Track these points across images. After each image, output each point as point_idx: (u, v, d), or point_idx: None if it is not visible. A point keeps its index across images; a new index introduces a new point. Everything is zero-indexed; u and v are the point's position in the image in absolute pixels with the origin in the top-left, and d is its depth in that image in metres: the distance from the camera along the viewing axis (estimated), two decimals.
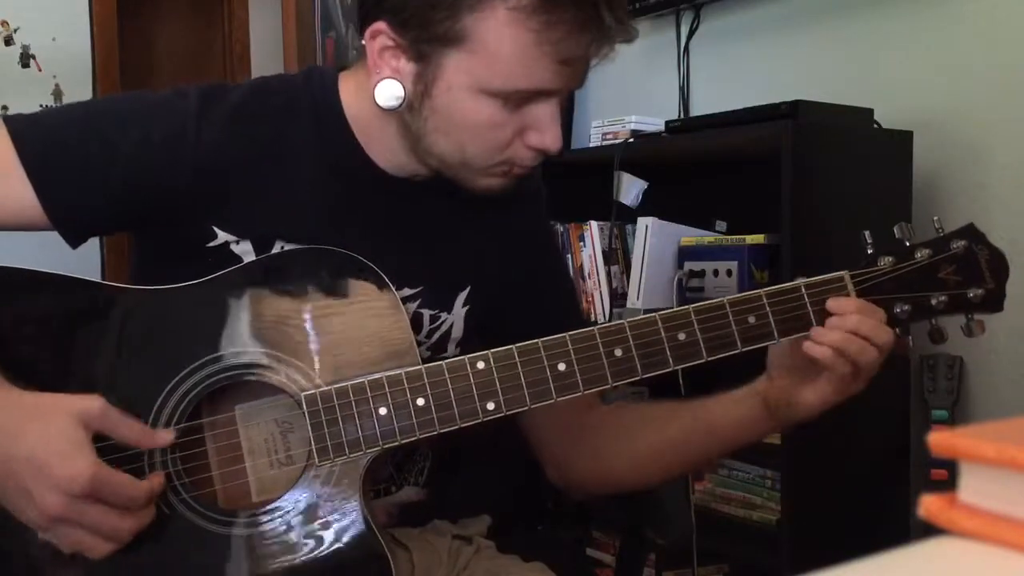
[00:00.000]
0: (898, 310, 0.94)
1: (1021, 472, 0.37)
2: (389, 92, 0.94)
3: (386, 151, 1.00)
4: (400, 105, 0.94)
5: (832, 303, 0.93)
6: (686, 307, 0.93)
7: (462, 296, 1.06)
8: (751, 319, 0.93)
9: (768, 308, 0.93)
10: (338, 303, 0.92)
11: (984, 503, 0.39)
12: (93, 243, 1.11)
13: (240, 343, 0.89)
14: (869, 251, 0.96)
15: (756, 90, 2.17)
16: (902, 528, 1.85)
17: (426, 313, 1.04)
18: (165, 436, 0.87)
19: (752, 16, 2.36)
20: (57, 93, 3.80)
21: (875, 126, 1.92)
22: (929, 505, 0.40)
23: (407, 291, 1.01)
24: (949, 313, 0.96)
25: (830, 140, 1.86)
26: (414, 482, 1.11)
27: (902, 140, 1.92)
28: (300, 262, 0.94)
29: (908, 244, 0.96)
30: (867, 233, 0.97)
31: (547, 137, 0.93)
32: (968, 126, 1.93)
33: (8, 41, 3.75)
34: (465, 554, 1.10)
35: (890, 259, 0.95)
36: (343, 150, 1.00)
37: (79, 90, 3.84)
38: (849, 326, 0.91)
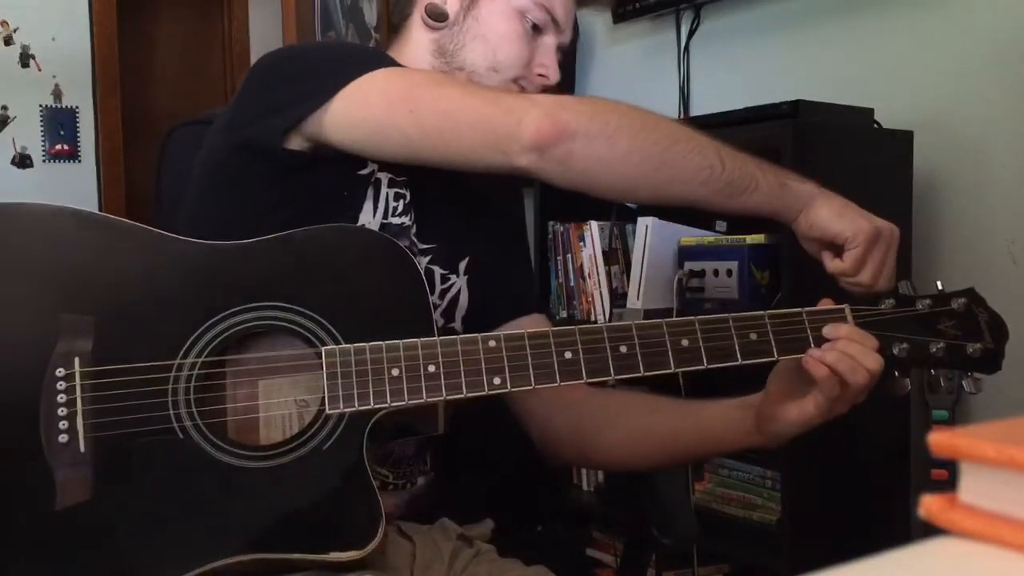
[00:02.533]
0: (897, 350, 0.98)
1: (1021, 472, 0.37)
2: (438, 10, 1.17)
3: None
4: (445, 22, 1.16)
5: (827, 328, 0.98)
6: (691, 317, 0.98)
7: (463, 264, 1.16)
8: (752, 335, 0.98)
9: (770, 328, 0.98)
10: (367, 275, 0.99)
11: (984, 503, 0.39)
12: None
13: (274, 297, 0.96)
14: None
15: (756, 90, 2.17)
16: (902, 528, 1.85)
17: (437, 271, 1.14)
18: None
19: (752, 16, 2.36)
20: (57, 93, 3.80)
21: (875, 126, 1.92)
22: (929, 505, 0.40)
23: (421, 244, 1.12)
24: (947, 365, 0.99)
25: (830, 140, 1.86)
26: (420, 470, 1.14)
27: (902, 140, 1.91)
28: (338, 235, 1.02)
29: (909, 295, 1.00)
30: None
31: (550, 68, 1.18)
32: (968, 126, 1.93)
33: (8, 41, 3.75)
34: (463, 557, 1.10)
35: (891, 302, 1.00)
36: None
37: (79, 90, 3.84)
38: (841, 347, 0.96)
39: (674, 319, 0.98)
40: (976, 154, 1.92)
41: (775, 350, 0.98)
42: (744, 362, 0.97)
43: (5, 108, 3.74)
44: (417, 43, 1.18)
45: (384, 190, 1.09)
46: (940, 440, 0.39)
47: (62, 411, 0.90)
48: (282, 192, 1.06)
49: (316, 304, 0.95)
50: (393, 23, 1.23)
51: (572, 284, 2.37)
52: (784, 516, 1.85)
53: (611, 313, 2.22)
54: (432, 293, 1.12)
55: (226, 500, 0.92)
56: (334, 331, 0.95)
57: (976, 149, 1.92)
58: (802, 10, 2.25)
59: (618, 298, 2.23)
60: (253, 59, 4.27)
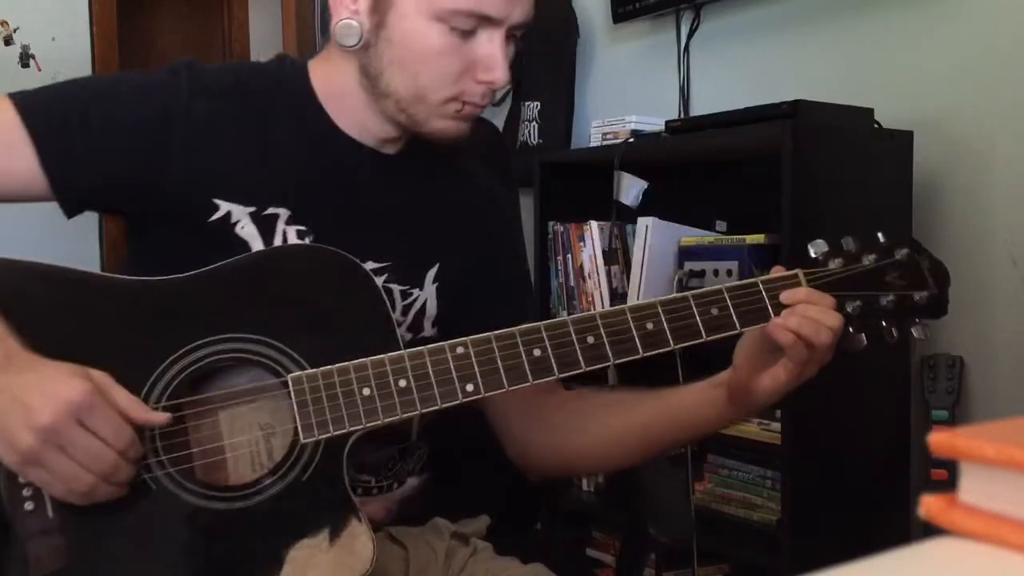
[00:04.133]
0: (851, 308, 0.99)
1: (1021, 472, 0.37)
2: (347, 30, 1.01)
3: (353, 118, 1.06)
4: (358, 42, 1.01)
5: (785, 294, 0.98)
6: (652, 300, 0.98)
7: (432, 273, 1.11)
8: (714, 311, 0.98)
9: (729, 301, 0.98)
10: (321, 293, 0.97)
11: (984, 503, 0.39)
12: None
13: (231, 328, 0.93)
14: (815, 255, 1.03)
15: (756, 90, 2.17)
16: (902, 528, 1.85)
17: (396, 288, 1.08)
18: (159, 417, 0.89)
19: (752, 16, 2.36)
20: None
21: (875, 126, 1.92)
22: (929, 505, 0.40)
23: (373, 264, 1.04)
24: (898, 314, 1.01)
25: (830, 140, 1.86)
26: (410, 471, 1.12)
27: (902, 140, 1.91)
28: (289, 256, 1.00)
29: (854, 251, 1.02)
30: (812, 244, 1.05)
31: (495, 72, 1.00)
32: (968, 126, 1.93)
33: (8, 41, 3.75)
34: (460, 556, 1.10)
35: (839, 261, 1.01)
36: (317, 124, 1.06)
37: None
38: (800, 311, 0.96)
39: (636, 303, 0.98)
40: (976, 154, 1.92)
41: (737, 323, 0.98)
42: (709, 338, 0.97)
43: None
44: (340, 61, 1.05)
45: (281, 226, 1.02)
46: (940, 440, 0.39)
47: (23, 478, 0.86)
48: (142, 239, 1.05)
49: (275, 330, 0.92)
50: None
51: (572, 284, 2.37)
52: (784, 516, 1.85)
53: None
54: (394, 311, 1.05)
55: (211, 545, 0.89)
56: (297, 356, 0.92)
57: (976, 149, 1.92)
58: (802, 10, 2.25)
59: (618, 298, 2.23)
60: (253, 59, 4.27)
